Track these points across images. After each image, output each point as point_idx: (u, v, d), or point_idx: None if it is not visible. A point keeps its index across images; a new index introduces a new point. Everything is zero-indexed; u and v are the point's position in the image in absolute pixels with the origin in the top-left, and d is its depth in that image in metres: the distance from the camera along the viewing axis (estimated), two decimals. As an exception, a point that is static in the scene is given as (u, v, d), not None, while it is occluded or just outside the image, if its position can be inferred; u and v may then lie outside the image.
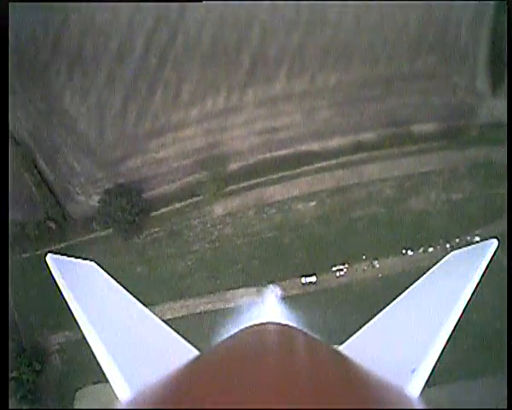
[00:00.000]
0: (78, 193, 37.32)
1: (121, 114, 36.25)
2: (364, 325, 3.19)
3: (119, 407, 1.82)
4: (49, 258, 3.42)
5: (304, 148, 36.54)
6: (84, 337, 2.72)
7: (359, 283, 36.91)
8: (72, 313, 2.90)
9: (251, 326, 2.69)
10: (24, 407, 37.24)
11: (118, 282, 3.64)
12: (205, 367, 1.95)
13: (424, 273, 3.67)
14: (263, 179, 36.59)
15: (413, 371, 2.37)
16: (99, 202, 36.16)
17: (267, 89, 35.95)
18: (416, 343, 2.74)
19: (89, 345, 2.65)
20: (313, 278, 36.68)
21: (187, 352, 2.86)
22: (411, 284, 3.43)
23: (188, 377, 1.82)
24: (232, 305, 37.08)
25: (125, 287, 3.55)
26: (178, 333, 3.17)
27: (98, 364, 2.54)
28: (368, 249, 36.76)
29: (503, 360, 35.40)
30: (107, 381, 2.46)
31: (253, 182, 36.63)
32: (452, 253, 4.04)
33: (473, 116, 36.08)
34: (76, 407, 37.54)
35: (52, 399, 38.08)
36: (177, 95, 36.02)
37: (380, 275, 36.86)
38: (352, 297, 36.80)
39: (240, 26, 35.26)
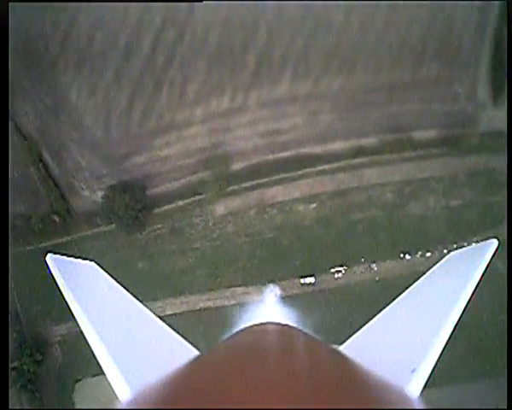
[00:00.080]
0: (82, 188, 37.30)
1: (127, 112, 36.24)
2: (361, 326, 3.17)
3: (119, 407, 1.79)
4: (49, 258, 3.38)
5: (306, 150, 36.50)
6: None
7: (357, 285, 36.91)
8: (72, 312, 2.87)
9: (251, 326, 2.67)
10: (24, 397, 37.30)
11: (118, 281, 3.55)
12: (205, 367, 1.93)
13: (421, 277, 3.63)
14: (265, 180, 36.58)
15: (413, 371, 2.33)
16: (103, 198, 36.15)
17: (271, 91, 35.92)
18: (416, 343, 2.69)
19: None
20: (312, 279, 36.70)
21: (187, 352, 2.82)
22: (408, 288, 3.38)
23: (188, 377, 1.80)
24: (232, 303, 37.10)
25: (125, 286, 3.52)
26: (179, 328, 3.13)
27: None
28: (366, 252, 36.75)
29: (498, 364, 35.45)
30: None
31: (255, 182, 36.62)
32: (452, 253, 3.98)
33: (473, 124, 36.05)
34: (75, 399, 37.58)
35: (52, 389, 38.11)
36: (183, 94, 36.00)
37: (377, 278, 36.86)
38: (349, 299, 36.80)
39: (246, 28, 35.24)
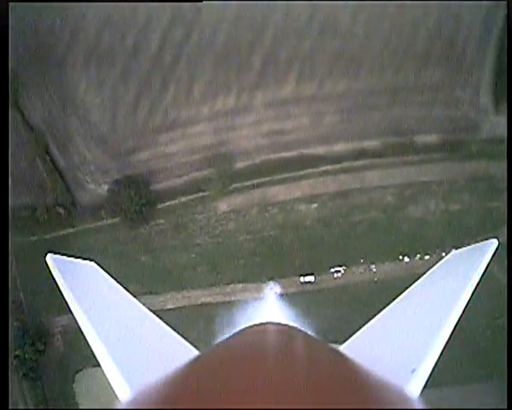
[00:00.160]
0: (87, 181, 37.30)
1: (133, 108, 36.23)
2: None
3: (119, 407, 1.77)
4: (50, 258, 3.36)
5: (309, 151, 36.43)
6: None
7: (356, 285, 36.85)
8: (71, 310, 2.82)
9: (251, 326, 2.63)
10: (25, 384, 37.36)
11: (118, 281, 3.58)
12: (205, 367, 1.90)
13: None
14: (267, 179, 36.52)
15: (413, 371, 2.31)
16: (108, 192, 36.19)
17: (276, 91, 35.87)
18: (416, 343, 2.66)
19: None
20: (311, 278, 36.64)
21: (187, 352, 2.80)
22: (405, 290, 3.33)
23: (188, 377, 1.77)
24: (232, 299, 37.08)
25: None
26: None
27: None
28: (366, 253, 36.67)
29: (491, 367, 35.34)
30: None
31: (257, 181, 36.56)
32: (452, 253, 4.02)
33: (475, 131, 35.90)
34: (75, 388, 37.62)
35: (53, 378, 38.17)
36: (189, 92, 35.96)
37: (376, 279, 36.79)
38: (348, 298, 36.73)
39: (253, 28, 35.20)
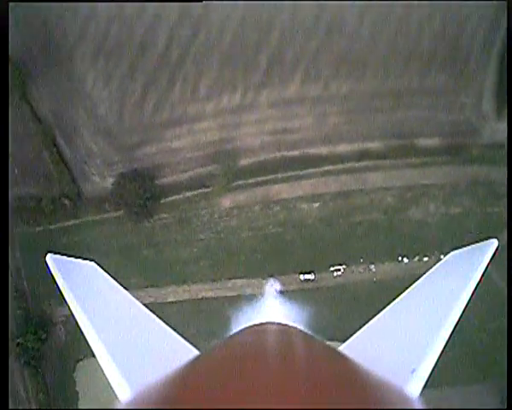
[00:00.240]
0: (93, 174, 37.23)
1: (140, 103, 36.15)
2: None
3: (118, 407, 1.74)
4: (49, 258, 3.31)
5: (312, 151, 36.40)
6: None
7: (355, 284, 36.89)
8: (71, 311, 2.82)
9: (251, 326, 2.59)
10: (26, 372, 37.41)
11: (118, 282, 3.51)
12: (205, 367, 1.87)
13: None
14: (271, 177, 36.49)
15: (413, 371, 2.29)
16: (113, 185, 36.11)
17: (282, 91, 35.82)
18: (416, 343, 2.64)
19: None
20: (311, 276, 36.66)
21: (187, 352, 2.73)
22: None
23: (188, 377, 1.75)
24: (233, 294, 37.10)
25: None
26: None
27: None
28: (365, 253, 36.70)
29: (487, 370, 35.41)
30: None
31: (261, 179, 36.53)
32: (452, 253, 3.93)
33: (476, 136, 35.90)
34: (76, 378, 37.67)
35: (54, 367, 38.24)
36: (195, 89, 35.89)
37: (375, 279, 36.84)
38: (347, 297, 36.79)
39: (260, 28, 35.13)
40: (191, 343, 2.79)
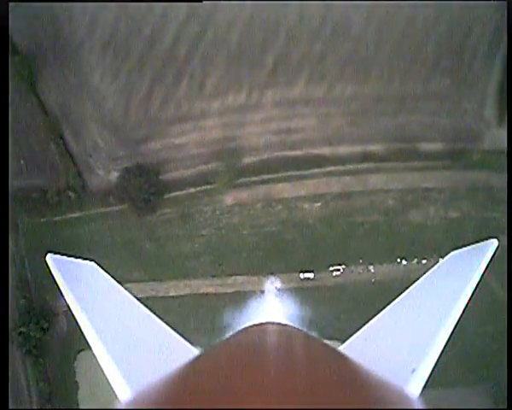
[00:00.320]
0: (98, 167, 37.20)
1: (147, 99, 36.12)
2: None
3: (118, 407, 1.73)
4: (50, 258, 3.31)
5: (315, 151, 36.37)
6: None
7: (354, 284, 36.88)
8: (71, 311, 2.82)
9: (251, 326, 2.58)
10: (28, 361, 37.46)
11: (118, 281, 3.47)
12: (205, 367, 1.85)
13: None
14: (273, 176, 36.46)
15: (413, 371, 2.28)
16: (118, 179, 36.10)
17: (286, 91, 35.78)
18: (416, 343, 2.63)
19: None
20: (311, 275, 36.65)
21: (187, 352, 2.74)
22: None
23: (188, 377, 1.74)
24: (233, 290, 37.08)
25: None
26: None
27: None
28: (365, 254, 36.67)
29: (481, 373, 35.43)
30: None
31: (263, 177, 36.50)
32: (452, 253, 3.91)
33: (477, 141, 35.85)
34: (76, 368, 37.70)
35: (55, 357, 38.28)
36: (202, 86, 35.85)
37: (373, 280, 36.84)
38: (345, 297, 36.79)
39: (267, 28, 35.06)
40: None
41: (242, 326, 2.59)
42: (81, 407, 38.14)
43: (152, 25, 35.39)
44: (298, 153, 36.37)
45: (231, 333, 2.43)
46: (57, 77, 36.14)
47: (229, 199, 36.85)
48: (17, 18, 34.63)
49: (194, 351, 2.71)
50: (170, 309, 35.34)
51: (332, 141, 36.26)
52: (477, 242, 3.55)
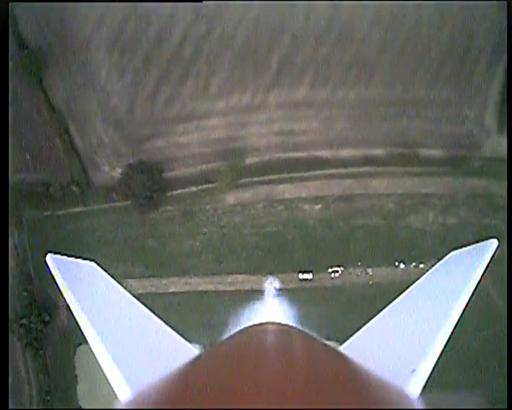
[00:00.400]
0: (102, 163, 37.26)
1: (152, 97, 36.17)
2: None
3: (118, 407, 1.74)
4: (50, 258, 3.28)
5: (317, 153, 36.40)
6: None
7: (352, 286, 36.91)
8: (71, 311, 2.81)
9: (251, 326, 2.57)
10: (28, 353, 37.49)
11: (117, 281, 3.47)
12: (205, 367, 1.84)
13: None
14: (275, 177, 36.49)
15: (413, 371, 2.27)
16: (121, 175, 36.09)
17: (290, 93, 35.82)
18: (416, 343, 2.62)
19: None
20: (310, 276, 36.70)
21: (187, 352, 2.72)
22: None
23: (188, 377, 1.73)
24: (232, 289, 37.12)
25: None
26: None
27: None
28: (363, 257, 36.69)
29: (477, 377, 35.38)
30: None
31: (265, 178, 36.54)
32: (452, 253, 3.85)
33: (478, 149, 35.87)
34: (76, 362, 37.71)
35: (55, 350, 38.29)
36: (207, 86, 35.91)
37: (371, 282, 36.85)
38: (343, 298, 36.81)
39: (273, 29, 35.09)
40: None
41: (242, 326, 2.58)
42: (80, 400, 38.19)
43: (159, 24, 35.44)
44: (300, 155, 36.38)
45: (231, 332, 2.41)
46: (64, 74, 36.21)
47: (230, 198, 36.88)
48: (25, 14, 34.73)
49: (195, 351, 2.71)
50: (169, 306, 35.38)
51: (334, 144, 36.28)
52: (477, 242, 3.53)
